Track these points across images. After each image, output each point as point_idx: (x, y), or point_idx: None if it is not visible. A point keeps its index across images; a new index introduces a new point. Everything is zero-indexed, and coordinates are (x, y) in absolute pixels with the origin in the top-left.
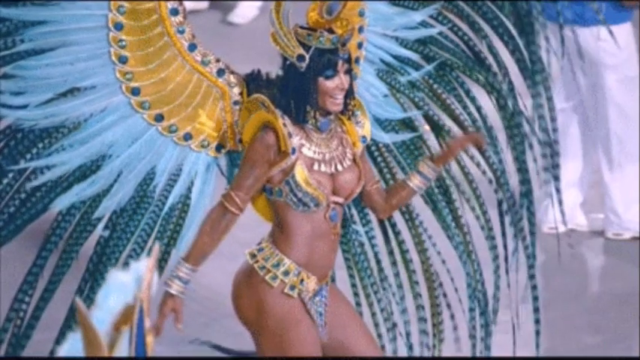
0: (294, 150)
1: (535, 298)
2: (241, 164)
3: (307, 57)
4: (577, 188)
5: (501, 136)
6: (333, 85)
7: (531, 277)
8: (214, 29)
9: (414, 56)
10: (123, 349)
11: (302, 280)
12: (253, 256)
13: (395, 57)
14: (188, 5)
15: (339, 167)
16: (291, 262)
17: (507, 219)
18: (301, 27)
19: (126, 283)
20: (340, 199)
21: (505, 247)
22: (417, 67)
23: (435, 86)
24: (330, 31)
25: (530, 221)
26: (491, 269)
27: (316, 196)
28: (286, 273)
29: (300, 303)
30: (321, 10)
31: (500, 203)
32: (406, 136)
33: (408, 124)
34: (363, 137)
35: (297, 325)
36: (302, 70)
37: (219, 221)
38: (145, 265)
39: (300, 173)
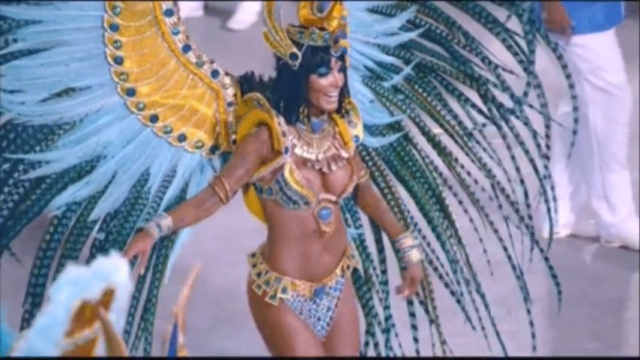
0: (287, 149)
1: (559, 300)
2: (233, 155)
3: (300, 55)
4: (576, 194)
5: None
6: (327, 82)
7: (557, 283)
8: (213, 35)
9: (397, 62)
10: (100, 346)
11: (284, 289)
12: (250, 260)
13: (378, 63)
14: (183, 12)
15: (333, 167)
16: (272, 272)
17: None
18: (293, 26)
19: (81, 278)
20: (332, 197)
21: (505, 249)
22: (400, 72)
23: (417, 87)
24: (322, 28)
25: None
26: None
27: (305, 195)
28: (267, 282)
29: (287, 309)
30: (312, 7)
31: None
32: (393, 137)
33: (394, 127)
34: (356, 137)
35: (285, 329)
36: (295, 69)
37: (206, 201)
38: (111, 261)
39: (289, 171)
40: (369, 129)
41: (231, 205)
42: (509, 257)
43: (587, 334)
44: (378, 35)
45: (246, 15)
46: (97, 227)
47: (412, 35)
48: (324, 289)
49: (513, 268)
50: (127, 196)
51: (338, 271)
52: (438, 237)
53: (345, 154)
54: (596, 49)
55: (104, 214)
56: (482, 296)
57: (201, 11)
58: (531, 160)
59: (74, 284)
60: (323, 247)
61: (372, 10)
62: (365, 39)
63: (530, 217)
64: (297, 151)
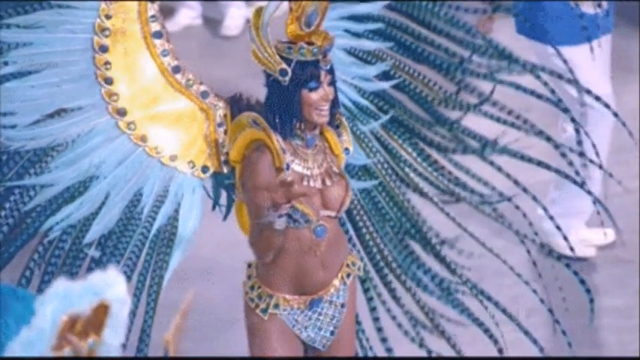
0: (287, 166)
1: (591, 315)
2: (251, 194)
3: (289, 71)
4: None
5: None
6: (318, 96)
7: (587, 290)
8: (212, 42)
9: (372, 107)
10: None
11: (276, 305)
12: (247, 270)
13: (355, 103)
14: (183, 21)
15: (328, 182)
16: (264, 288)
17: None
18: (281, 42)
19: (70, 292)
20: (332, 213)
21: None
22: (375, 116)
23: (393, 135)
24: (310, 43)
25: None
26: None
27: (306, 213)
28: (259, 297)
29: (276, 321)
30: (300, 23)
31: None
32: (367, 184)
33: (369, 171)
34: (346, 149)
35: (268, 339)
36: (286, 85)
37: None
38: (105, 276)
39: None
40: (345, 167)
41: (231, 213)
42: (519, 269)
43: (588, 343)
44: (356, 77)
45: (235, 20)
46: (92, 249)
47: (386, 85)
48: (322, 300)
49: (526, 283)
50: (119, 216)
51: (337, 282)
52: (418, 268)
53: (336, 169)
54: (572, 61)
55: (98, 235)
56: (497, 304)
57: (201, 19)
58: (580, 184)
59: (62, 298)
60: (319, 262)
61: (350, 53)
62: (343, 77)
63: (558, 228)
64: (295, 167)
